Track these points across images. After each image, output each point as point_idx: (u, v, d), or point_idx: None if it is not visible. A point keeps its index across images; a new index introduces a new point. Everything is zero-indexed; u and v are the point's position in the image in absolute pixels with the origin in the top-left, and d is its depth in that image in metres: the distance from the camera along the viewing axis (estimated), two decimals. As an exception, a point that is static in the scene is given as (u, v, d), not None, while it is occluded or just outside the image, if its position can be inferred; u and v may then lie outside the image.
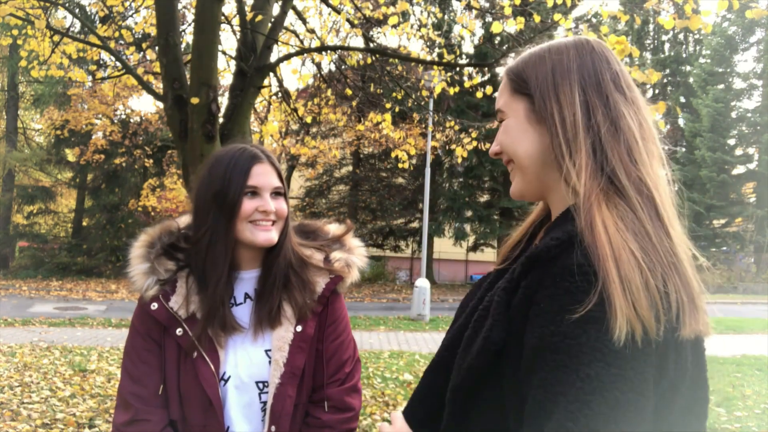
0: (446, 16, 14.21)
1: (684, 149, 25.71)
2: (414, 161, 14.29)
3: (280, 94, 6.65)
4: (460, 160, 8.47)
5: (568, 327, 0.73)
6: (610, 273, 0.74)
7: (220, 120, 4.23)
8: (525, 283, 0.81)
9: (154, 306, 1.32)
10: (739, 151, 23.79)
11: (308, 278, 1.42)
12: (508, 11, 4.77)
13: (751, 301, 17.16)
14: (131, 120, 18.47)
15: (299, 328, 1.37)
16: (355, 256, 1.54)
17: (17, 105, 20.42)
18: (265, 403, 1.34)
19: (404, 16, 7.45)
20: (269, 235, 1.36)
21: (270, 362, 1.34)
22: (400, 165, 7.37)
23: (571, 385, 0.71)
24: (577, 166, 0.85)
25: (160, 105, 5.17)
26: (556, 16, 4.22)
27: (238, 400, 1.32)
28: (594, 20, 17.06)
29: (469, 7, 6.03)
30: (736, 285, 20.62)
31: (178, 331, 1.31)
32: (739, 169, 23.69)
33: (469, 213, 20.16)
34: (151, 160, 18.86)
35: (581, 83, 0.91)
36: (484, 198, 21.28)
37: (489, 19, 6.54)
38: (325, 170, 20.51)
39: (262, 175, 1.36)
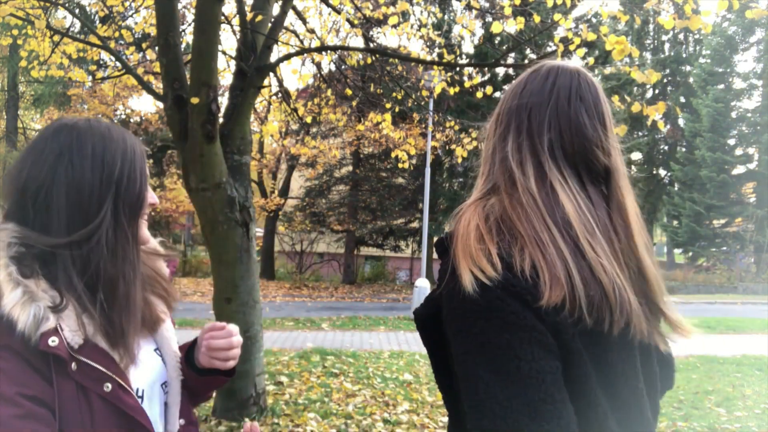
0: (446, 16, 14.22)
1: (684, 149, 25.71)
2: (414, 161, 14.29)
3: (280, 94, 6.65)
4: (460, 160, 8.46)
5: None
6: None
7: (220, 120, 4.24)
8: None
9: (54, 341, 0.97)
10: (739, 151, 23.79)
11: (156, 265, 1.30)
12: (508, 11, 4.77)
13: (751, 301, 17.15)
14: (131, 120, 18.48)
15: (169, 315, 1.29)
16: (151, 240, 1.37)
17: (17, 105, 20.42)
18: (166, 403, 1.22)
19: (404, 16, 7.46)
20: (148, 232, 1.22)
21: (163, 360, 1.22)
22: (400, 165, 7.36)
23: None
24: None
25: (160, 105, 5.18)
26: (556, 16, 4.22)
27: (151, 411, 1.15)
28: (594, 20, 17.06)
29: (469, 7, 6.03)
30: (736, 285, 20.61)
31: (73, 366, 1.00)
32: (739, 169, 23.68)
33: (469, 213, 20.15)
34: (151, 160, 18.87)
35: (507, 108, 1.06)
36: (484, 198, 21.26)
37: (489, 19, 6.55)
38: (325, 170, 20.49)
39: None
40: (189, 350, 1.31)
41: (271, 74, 5.45)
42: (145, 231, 1.18)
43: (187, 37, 6.00)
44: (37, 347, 0.96)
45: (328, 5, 5.82)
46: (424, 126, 11.16)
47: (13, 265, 1.00)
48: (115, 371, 1.05)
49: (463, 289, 0.83)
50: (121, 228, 1.08)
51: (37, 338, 0.96)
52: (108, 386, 1.03)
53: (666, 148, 27.07)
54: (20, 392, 0.93)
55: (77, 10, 13.54)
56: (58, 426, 0.97)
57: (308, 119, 7.03)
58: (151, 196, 1.18)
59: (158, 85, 6.19)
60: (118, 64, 6.09)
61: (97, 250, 1.05)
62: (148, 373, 1.17)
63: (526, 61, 4.51)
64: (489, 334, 0.81)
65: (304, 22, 5.91)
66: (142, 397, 1.12)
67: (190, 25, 5.96)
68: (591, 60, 13.65)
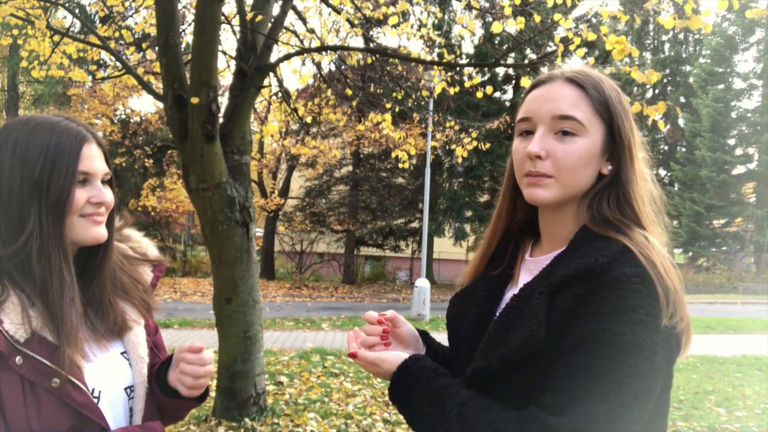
0: (446, 16, 14.21)
1: (684, 149, 25.71)
2: (414, 161, 14.31)
3: (280, 94, 6.65)
4: (460, 160, 8.46)
5: (618, 326, 0.88)
6: (659, 284, 0.91)
7: (220, 120, 4.24)
8: (575, 291, 0.93)
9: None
10: (739, 151, 23.79)
11: (137, 271, 1.27)
12: (508, 11, 4.77)
13: (751, 301, 17.15)
14: (131, 120, 18.47)
15: (142, 322, 1.25)
16: (143, 244, 1.35)
17: (17, 105, 20.40)
18: (131, 408, 1.19)
19: (404, 16, 7.47)
20: (101, 231, 1.14)
21: (130, 364, 1.20)
22: (400, 165, 7.36)
23: (614, 369, 0.87)
24: (639, 203, 1.03)
25: (160, 105, 5.18)
26: (556, 16, 4.21)
27: (113, 414, 1.13)
28: (594, 20, 17.05)
29: (469, 7, 6.03)
30: (736, 285, 20.62)
31: (18, 360, 0.99)
32: (739, 169, 23.68)
33: (469, 213, 20.16)
34: (151, 160, 18.84)
35: (632, 126, 1.07)
36: (484, 198, 21.27)
37: (489, 19, 6.54)
38: (325, 170, 20.49)
39: (92, 159, 1.12)
40: (162, 367, 1.26)
41: (271, 74, 5.45)
42: (91, 230, 1.13)
43: (187, 37, 5.99)
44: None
45: (328, 5, 5.82)
46: (424, 126, 11.15)
47: None
48: (64, 367, 1.02)
49: (651, 329, 0.93)
50: (47, 232, 1.05)
51: None
52: (56, 381, 1.01)
53: (666, 148, 27.06)
54: None
55: (77, 10, 13.54)
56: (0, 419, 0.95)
57: (308, 119, 7.03)
58: (94, 195, 1.12)
59: (158, 85, 6.19)
60: (118, 64, 6.09)
61: (28, 258, 1.04)
62: (111, 374, 1.15)
63: (526, 61, 4.52)
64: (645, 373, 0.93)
65: (304, 22, 5.91)
66: (98, 398, 1.10)
67: (190, 25, 5.96)
68: (591, 60, 13.64)
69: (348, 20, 6.03)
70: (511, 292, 1.10)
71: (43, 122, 1.11)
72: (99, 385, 1.11)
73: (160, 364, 1.27)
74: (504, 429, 0.90)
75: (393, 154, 7.78)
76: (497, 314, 1.07)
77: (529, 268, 1.11)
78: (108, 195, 1.14)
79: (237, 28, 4.84)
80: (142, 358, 1.21)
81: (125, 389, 1.17)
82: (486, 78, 18.47)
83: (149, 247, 1.35)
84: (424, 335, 1.27)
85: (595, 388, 0.87)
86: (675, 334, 0.93)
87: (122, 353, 1.20)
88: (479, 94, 5.70)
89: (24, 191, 1.05)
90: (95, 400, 1.08)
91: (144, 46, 6.55)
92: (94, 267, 1.18)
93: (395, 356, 1.08)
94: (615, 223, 1.00)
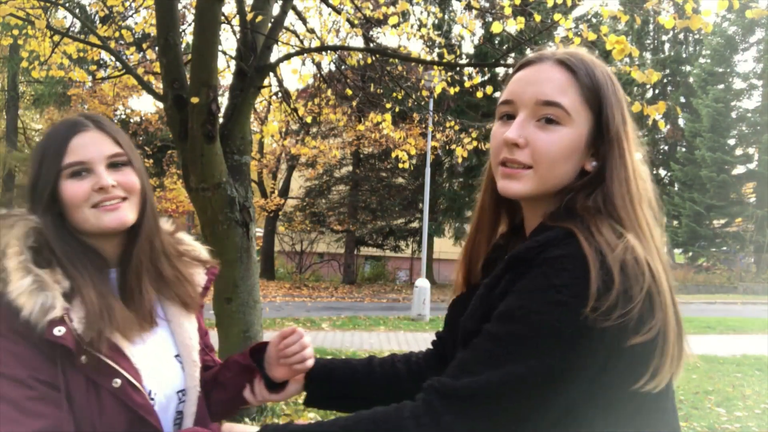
0: (446, 16, 14.22)
1: (684, 149, 25.71)
2: (414, 161, 14.28)
3: (280, 94, 6.65)
4: (460, 160, 8.46)
5: (536, 304, 0.82)
6: (596, 270, 0.81)
7: (220, 120, 4.24)
8: (508, 276, 0.89)
9: (60, 331, 0.96)
10: (739, 151, 23.79)
11: (187, 270, 1.24)
12: (508, 11, 4.77)
13: (751, 301, 17.14)
14: (131, 120, 18.47)
15: (195, 324, 1.24)
16: (195, 247, 1.33)
17: (17, 105, 20.42)
18: (181, 412, 1.18)
19: (404, 16, 7.46)
20: (118, 215, 1.08)
21: (183, 368, 1.19)
22: (400, 165, 7.36)
23: (522, 344, 0.82)
24: (622, 201, 0.91)
25: (160, 105, 5.18)
26: (556, 16, 4.22)
27: (163, 417, 1.11)
28: (594, 20, 17.05)
29: (469, 7, 6.03)
30: (736, 285, 20.61)
31: (83, 359, 0.98)
32: (739, 169, 23.68)
33: (469, 213, 20.15)
34: (151, 160, 18.86)
35: (625, 118, 0.97)
36: (484, 198, 21.26)
37: (489, 19, 6.53)
38: (325, 170, 20.49)
39: (87, 146, 1.08)
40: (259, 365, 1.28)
41: (271, 74, 5.44)
42: (106, 218, 1.10)
43: (187, 37, 5.99)
44: (43, 336, 0.94)
45: (328, 5, 5.82)
46: (424, 126, 11.15)
47: (27, 253, 1.00)
48: (126, 368, 1.03)
49: (573, 312, 0.88)
50: (54, 233, 1.06)
51: (43, 327, 0.94)
52: (117, 382, 1.01)
53: (666, 148, 27.07)
54: (33, 375, 0.92)
55: (77, 10, 13.54)
56: (70, 414, 0.95)
57: (308, 119, 7.03)
58: (95, 182, 1.07)
59: (158, 85, 6.19)
60: (118, 64, 6.09)
61: (59, 261, 1.05)
62: (165, 378, 1.14)
63: (526, 61, 4.53)
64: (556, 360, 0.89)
65: (304, 22, 5.91)
66: (153, 400, 1.09)
67: (190, 25, 5.96)
68: (591, 60, 13.64)
69: (348, 20, 6.03)
70: None
71: (54, 123, 1.13)
72: (154, 387, 1.10)
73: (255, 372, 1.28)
74: (400, 407, 0.88)
75: (393, 154, 7.78)
76: None
77: None
78: (113, 178, 1.08)
79: (237, 28, 4.84)
80: (195, 362, 1.20)
81: (177, 392, 1.16)
82: (486, 78, 18.44)
83: (201, 251, 1.33)
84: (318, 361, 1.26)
85: (497, 357, 0.83)
86: (613, 334, 0.80)
87: (176, 356, 1.19)
88: (479, 94, 5.70)
89: (34, 197, 1.08)
90: (152, 402, 1.08)
91: (144, 46, 6.55)
92: (134, 253, 1.14)
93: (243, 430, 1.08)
94: (580, 215, 0.89)
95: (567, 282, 0.81)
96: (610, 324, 0.79)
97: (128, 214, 1.10)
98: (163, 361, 1.16)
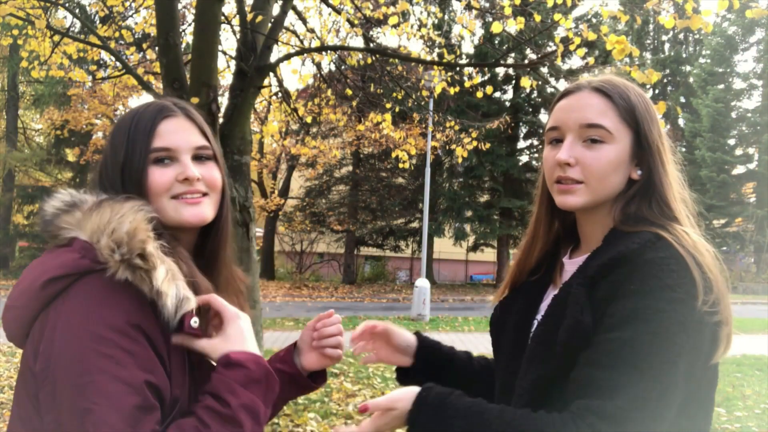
0: (446, 16, 14.20)
1: (684, 149, 25.71)
2: (414, 161, 14.29)
3: (280, 94, 6.66)
4: (460, 160, 8.46)
5: (659, 303, 0.90)
6: (694, 269, 0.92)
7: (220, 120, 4.24)
8: (611, 278, 0.95)
9: (195, 322, 0.95)
10: (739, 151, 23.80)
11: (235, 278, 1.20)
12: (508, 11, 4.77)
13: (751, 301, 17.15)
14: (131, 120, 18.45)
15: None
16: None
17: (17, 105, 20.42)
18: None
19: (404, 16, 7.46)
20: (198, 210, 1.03)
21: None
22: (400, 165, 7.37)
23: (664, 348, 0.88)
24: (675, 203, 1.05)
25: (160, 105, 5.16)
26: (556, 16, 4.22)
27: None
28: (594, 20, 17.06)
29: (469, 7, 6.03)
30: (736, 285, 20.62)
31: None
32: (739, 169, 23.69)
33: (469, 213, 20.17)
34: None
35: (660, 131, 1.08)
36: (484, 198, 21.27)
37: (489, 19, 6.54)
38: (325, 170, 20.50)
39: (174, 133, 1.03)
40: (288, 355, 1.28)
41: (271, 74, 5.45)
42: (185, 212, 1.04)
43: (187, 37, 6.00)
44: (177, 328, 0.92)
45: (328, 5, 5.82)
46: (424, 126, 11.16)
47: (156, 240, 0.94)
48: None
49: (690, 306, 0.95)
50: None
51: (178, 319, 0.92)
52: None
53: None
54: (147, 380, 0.87)
55: (77, 10, 13.55)
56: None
57: (308, 119, 7.04)
58: (180, 172, 1.02)
59: (158, 85, 6.19)
60: (118, 64, 6.09)
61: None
62: None
63: (526, 61, 4.52)
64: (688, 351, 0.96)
65: (304, 22, 5.92)
66: None
67: (190, 25, 5.96)
68: (591, 60, 13.66)
69: (348, 20, 6.03)
70: (551, 294, 1.12)
71: (140, 105, 1.06)
72: None
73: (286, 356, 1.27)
74: (557, 426, 0.88)
75: (393, 154, 7.79)
76: (539, 317, 1.10)
77: (568, 270, 1.14)
78: (199, 171, 1.03)
79: (237, 28, 4.84)
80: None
81: None
82: (486, 78, 18.47)
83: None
84: (419, 336, 1.30)
85: (645, 367, 0.88)
86: (710, 324, 0.92)
87: None
88: (479, 94, 5.71)
89: (116, 178, 1.01)
90: None
91: (144, 46, 6.55)
92: (208, 251, 1.10)
93: (406, 392, 1.06)
94: (650, 220, 1.02)
95: (678, 281, 0.91)
96: (714, 320, 0.92)
97: (208, 210, 1.05)
98: None
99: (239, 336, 0.99)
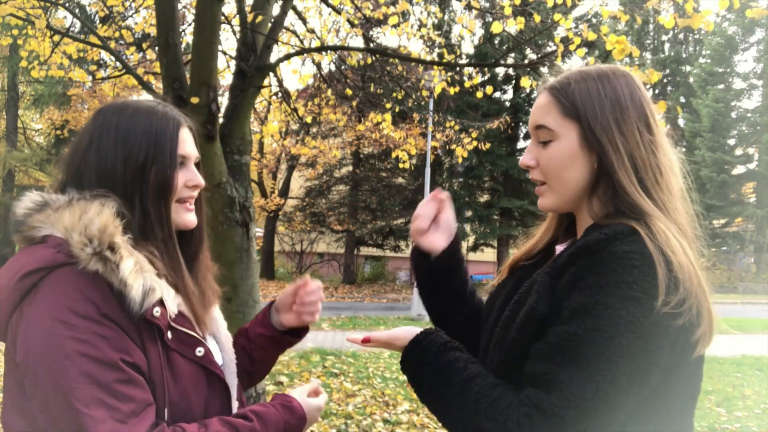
0: (446, 16, 14.21)
1: (684, 149, 25.70)
2: (414, 161, 14.29)
3: (280, 94, 6.65)
4: (460, 160, 8.46)
5: (611, 299, 0.87)
6: (660, 266, 0.88)
7: (220, 120, 4.24)
8: (573, 269, 0.94)
9: (157, 312, 1.00)
10: (739, 151, 23.80)
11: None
12: (508, 11, 4.76)
13: (751, 301, 17.15)
14: (131, 120, 18.46)
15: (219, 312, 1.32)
16: None
17: (17, 105, 20.41)
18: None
19: (404, 16, 7.46)
20: (190, 217, 1.15)
21: (217, 344, 1.24)
22: (400, 165, 7.36)
23: (605, 347, 0.86)
24: (632, 188, 0.99)
25: (160, 105, 5.15)
26: (556, 16, 4.21)
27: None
28: (594, 20, 17.05)
29: (469, 7, 6.03)
30: (736, 285, 20.63)
31: (169, 334, 1.03)
32: (739, 169, 23.69)
33: (469, 213, 20.17)
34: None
35: (636, 117, 1.02)
36: (484, 198, 21.28)
37: (489, 19, 6.53)
38: (325, 170, 20.51)
39: (189, 142, 1.14)
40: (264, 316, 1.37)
41: (271, 74, 5.45)
42: (185, 216, 1.15)
43: (187, 37, 6.00)
44: (143, 317, 0.97)
45: (328, 5, 5.81)
46: (424, 126, 11.15)
47: (124, 234, 1.01)
48: (204, 337, 1.11)
49: (646, 307, 0.92)
50: (155, 216, 1.07)
51: (144, 309, 0.97)
52: (200, 351, 1.07)
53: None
54: (123, 358, 0.94)
55: (77, 10, 13.55)
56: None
57: (308, 119, 7.03)
58: (190, 179, 1.13)
59: (158, 85, 6.19)
60: (118, 64, 6.09)
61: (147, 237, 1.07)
62: (224, 348, 1.23)
63: (526, 61, 4.51)
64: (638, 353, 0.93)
65: (304, 22, 5.91)
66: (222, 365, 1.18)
67: (190, 25, 5.96)
68: (591, 60, 13.65)
69: (348, 20, 6.02)
70: None
71: (140, 107, 1.11)
72: (225, 357, 1.20)
73: (258, 317, 1.38)
74: (502, 408, 0.90)
75: (393, 154, 7.78)
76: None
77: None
78: (201, 178, 1.16)
79: (237, 28, 4.84)
80: (228, 338, 1.25)
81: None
82: (486, 78, 18.46)
83: None
84: (456, 237, 1.28)
85: (583, 363, 0.86)
86: (673, 327, 0.89)
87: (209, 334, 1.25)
88: (479, 94, 5.70)
89: (128, 176, 1.05)
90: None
91: (144, 46, 6.54)
92: (191, 253, 1.20)
93: (407, 332, 1.11)
94: (628, 212, 0.99)
95: (637, 278, 0.88)
96: (682, 320, 0.89)
97: (195, 216, 1.17)
98: (216, 333, 1.25)
99: (315, 410, 1.18)
